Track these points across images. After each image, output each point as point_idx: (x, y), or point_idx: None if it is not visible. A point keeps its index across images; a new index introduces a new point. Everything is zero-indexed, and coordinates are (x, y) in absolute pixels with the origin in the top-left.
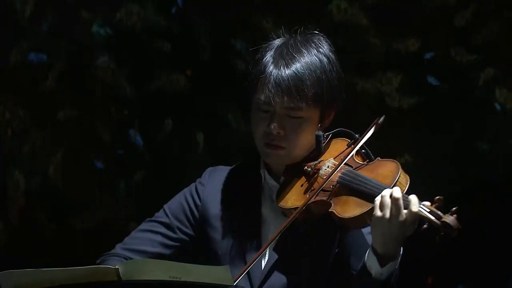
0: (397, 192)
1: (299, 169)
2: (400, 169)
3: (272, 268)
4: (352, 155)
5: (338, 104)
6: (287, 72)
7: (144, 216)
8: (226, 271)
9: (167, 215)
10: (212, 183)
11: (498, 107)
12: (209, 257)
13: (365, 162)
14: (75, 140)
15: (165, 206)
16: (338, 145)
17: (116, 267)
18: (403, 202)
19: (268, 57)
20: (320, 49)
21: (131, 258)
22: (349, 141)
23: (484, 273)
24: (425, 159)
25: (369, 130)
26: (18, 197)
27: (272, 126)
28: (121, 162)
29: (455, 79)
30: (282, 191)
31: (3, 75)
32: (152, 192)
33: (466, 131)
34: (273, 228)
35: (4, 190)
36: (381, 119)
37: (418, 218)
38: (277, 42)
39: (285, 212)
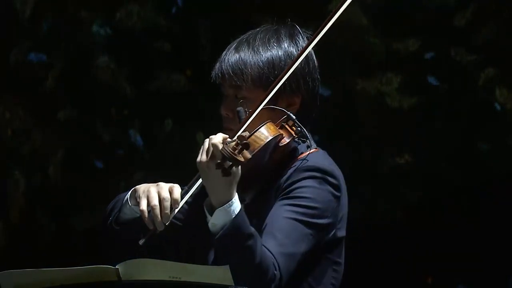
0: (212, 136)
1: None
2: (270, 123)
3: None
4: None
5: (294, 91)
6: (232, 52)
7: None
8: (226, 271)
9: None
10: None
11: (498, 107)
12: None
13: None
14: (75, 140)
15: None
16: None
17: (116, 267)
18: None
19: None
20: (282, 36)
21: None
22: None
23: (484, 273)
24: (425, 159)
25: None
26: (18, 197)
27: (221, 108)
28: (121, 162)
29: (455, 79)
30: None
31: (3, 75)
32: None
33: (466, 131)
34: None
35: (4, 190)
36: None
37: (220, 152)
38: None
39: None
